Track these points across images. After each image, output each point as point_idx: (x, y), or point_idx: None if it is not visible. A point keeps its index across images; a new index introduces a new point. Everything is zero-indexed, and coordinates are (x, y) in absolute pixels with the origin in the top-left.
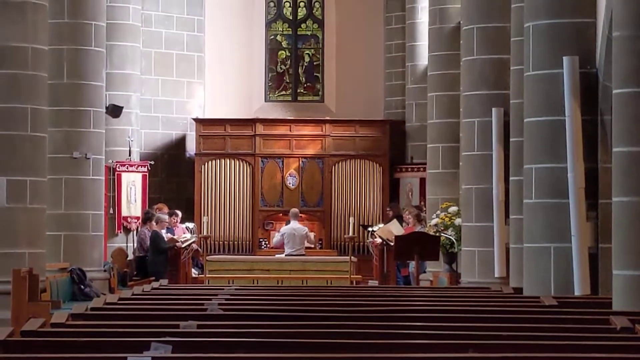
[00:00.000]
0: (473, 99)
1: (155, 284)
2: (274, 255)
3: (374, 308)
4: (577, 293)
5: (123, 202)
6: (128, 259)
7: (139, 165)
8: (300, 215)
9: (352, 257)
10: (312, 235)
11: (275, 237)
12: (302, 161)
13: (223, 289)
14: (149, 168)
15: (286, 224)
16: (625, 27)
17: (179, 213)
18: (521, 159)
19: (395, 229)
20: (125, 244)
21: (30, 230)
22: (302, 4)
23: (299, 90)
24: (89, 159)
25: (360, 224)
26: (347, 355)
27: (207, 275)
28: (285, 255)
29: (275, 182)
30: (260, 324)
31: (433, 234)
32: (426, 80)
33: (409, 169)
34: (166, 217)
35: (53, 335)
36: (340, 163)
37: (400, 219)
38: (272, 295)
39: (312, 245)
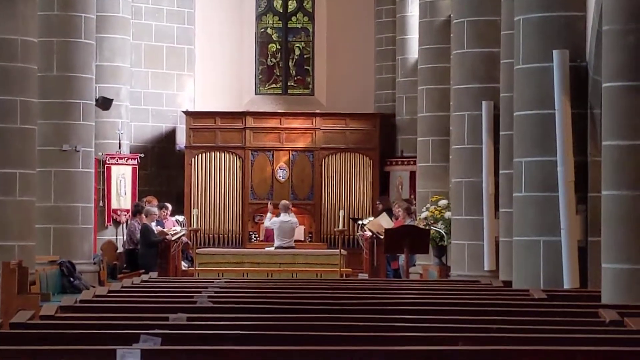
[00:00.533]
0: (463, 93)
1: (144, 277)
2: (264, 248)
3: (363, 301)
4: (566, 286)
5: (113, 194)
6: (118, 251)
7: (128, 158)
8: (290, 208)
9: (342, 250)
10: (300, 228)
11: (267, 223)
12: (292, 154)
13: (213, 282)
14: (139, 161)
15: (276, 217)
16: (615, 21)
17: (169, 206)
18: (511, 152)
19: (385, 222)
20: (114, 237)
21: (19, 222)
22: None
23: (289, 84)
24: (78, 151)
25: (350, 217)
26: (337, 348)
27: (196, 268)
28: (275, 247)
29: (266, 175)
30: (250, 317)
31: (423, 227)
32: (416, 73)
33: (399, 162)
34: (156, 210)
35: (42, 327)
36: (331, 156)
37: (390, 212)
38: (262, 288)
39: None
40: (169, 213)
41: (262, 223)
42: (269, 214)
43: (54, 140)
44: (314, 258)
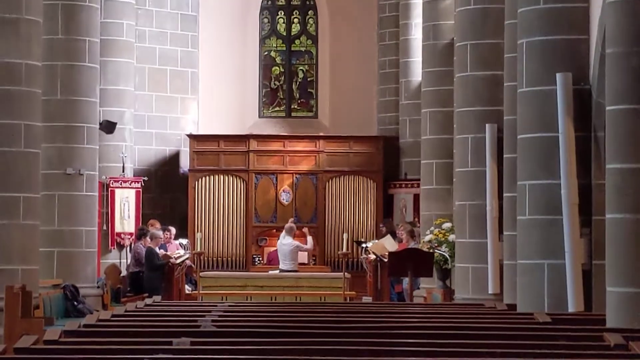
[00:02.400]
0: (467, 115)
1: (148, 301)
2: (268, 272)
3: (367, 324)
4: (570, 310)
5: (116, 218)
6: (121, 275)
7: (132, 181)
8: (295, 231)
9: (345, 273)
10: (308, 244)
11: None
12: (296, 177)
13: (216, 306)
14: (143, 184)
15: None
16: (619, 44)
17: (173, 229)
18: (515, 175)
19: (388, 244)
20: (118, 260)
21: (23, 246)
22: (295, 20)
23: (292, 106)
24: (82, 175)
25: (354, 240)
26: None
27: (200, 292)
28: (280, 271)
29: (269, 198)
30: (254, 341)
31: (427, 250)
32: (420, 96)
33: (403, 185)
34: (161, 233)
35: (46, 352)
36: (334, 179)
37: (394, 235)
38: (266, 312)
39: (310, 248)
40: (172, 236)
41: (267, 246)
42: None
43: (57, 164)
44: (318, 281)
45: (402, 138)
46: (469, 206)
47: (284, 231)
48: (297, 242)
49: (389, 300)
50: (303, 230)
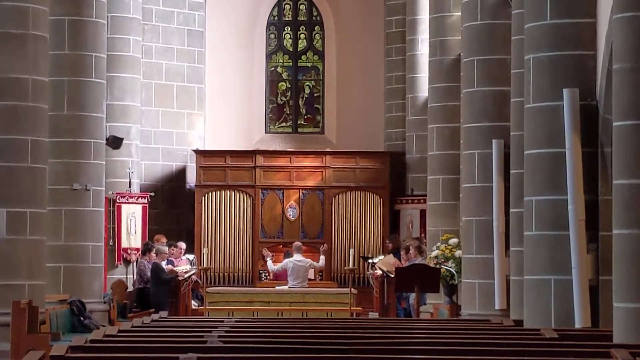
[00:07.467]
0: (473, 131)
1: (155, 316)
2: (274, 287)
3: (374, 340)
4: (577, 325)
5: (123, 233)
6: (128, 290)
7: (139, 197)
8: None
9: (352, 289)
10: (320, 262)
11: (277, 265)
12: (303, 193)
13: (223, 321)
14: (149, 199)
15: (284, 256)
16: (626, 60)
17: (183, 245)
18: (521, 191)
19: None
20: (125, 276)
21: (30, 261)
22: (302, 36)
23: (299, 122)
24: (89, 190)
25: (361, 255)
26: None
27: (207, 307)
28: (289, 287)
29: (276, 213)
30: (261, 357)
31: (433, 265)
32: (426, 112)
33: (410, 201)
34: (166, 248)
35: None
36: (341, 195)
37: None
38: (272, 328)
39: (321, 267)
40: (182, 252)
41: (273, 262)
42: (269, 260)
43: (64, 179)
44: (324, 297)
45: (408, 154)
46: (475, 222)
47: (294, 250)
48: (309, 260)
49: (395, 316)
50: (321, 248)
